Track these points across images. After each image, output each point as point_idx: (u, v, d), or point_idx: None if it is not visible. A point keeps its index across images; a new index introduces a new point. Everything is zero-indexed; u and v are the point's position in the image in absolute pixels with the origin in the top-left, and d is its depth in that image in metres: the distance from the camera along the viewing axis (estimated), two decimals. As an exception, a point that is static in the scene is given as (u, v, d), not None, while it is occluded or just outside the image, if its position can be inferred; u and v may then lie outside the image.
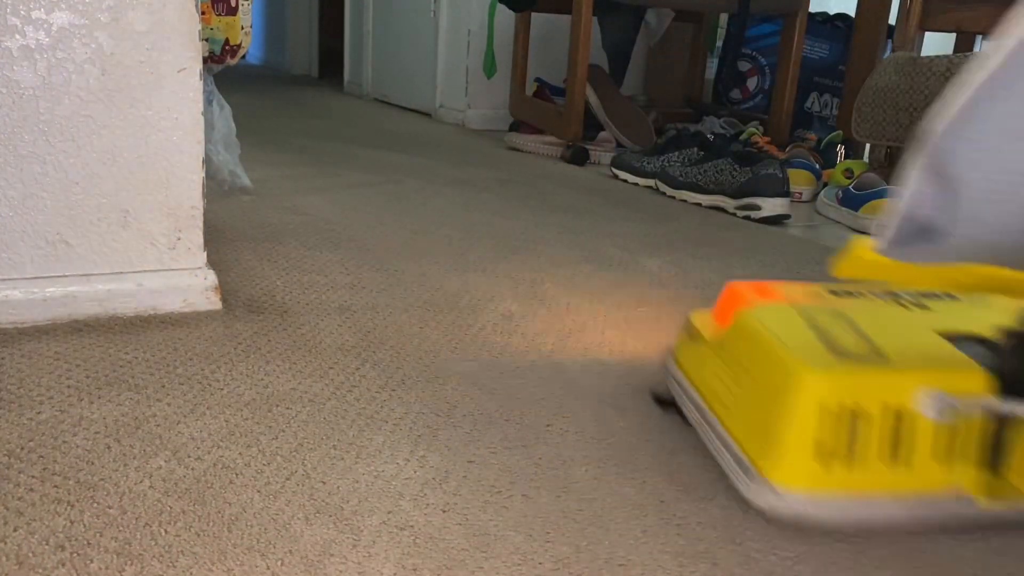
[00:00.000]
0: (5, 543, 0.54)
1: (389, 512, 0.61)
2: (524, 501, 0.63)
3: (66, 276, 0.91)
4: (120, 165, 0.90)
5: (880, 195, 1.63)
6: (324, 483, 0.64)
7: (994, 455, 0.63)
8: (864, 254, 0.63)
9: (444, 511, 0.61)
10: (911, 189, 0.56)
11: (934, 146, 0.54)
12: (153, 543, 0.56)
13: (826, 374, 0.62)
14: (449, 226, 1.45)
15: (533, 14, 2.52)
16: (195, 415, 0.73)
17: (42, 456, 0.65)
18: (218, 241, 1.24)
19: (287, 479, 0.64)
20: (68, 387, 0.76)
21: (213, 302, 0.97)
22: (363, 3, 3.62)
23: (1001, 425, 0.62)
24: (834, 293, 0.77)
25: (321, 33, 4.63)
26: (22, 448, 0.66)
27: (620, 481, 0.67)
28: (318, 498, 0.62)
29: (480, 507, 0.62)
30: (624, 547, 0.59)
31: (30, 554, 0.54)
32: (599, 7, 2.23)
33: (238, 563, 0.54)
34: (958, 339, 0.68)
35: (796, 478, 0.62)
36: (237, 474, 0.64)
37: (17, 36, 0.84)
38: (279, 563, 0.55)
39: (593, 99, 2.30)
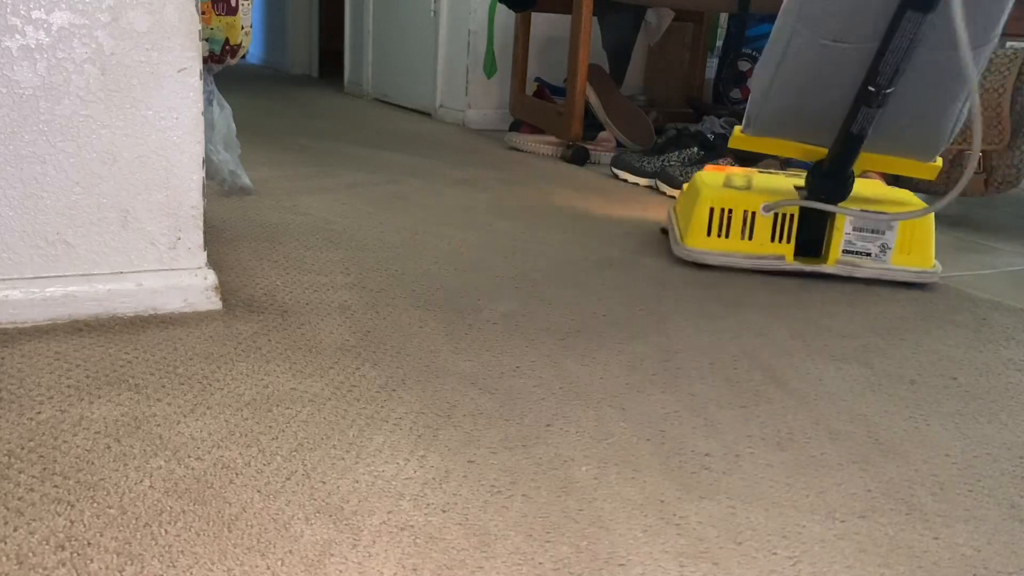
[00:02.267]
0: (5, 543, 0.54)
1: (389, 512, 0.61)
2: (524, 501, 0.63)
3: (66, 276, 0.91)
4: (120, 165, 0.90)
5: (880, 195, 1.62)
6: (324, 483, 0.64)
7: (800, 239, 1.26)
8: (738, 133, 1.30)
9: (444, 511, 0.61)
10: (751, 98, 1.23)
11: (756, 76, 1.20)
12: (153, 543, 0.56)
13: (715, 192, 1.27)
14: (449, 226, 1.45)
15: (533, 14, 2.52)
16: (195, 415, 0.73)
17: (42, 456, 0.65)
18: (218, 241, 1.24)
19: (287, 479, 0.64)
20: (68, 387, 0.76)
21: (213, 302, 0.97)
22: (363, 3, 3.62)
23: (807, 222, 1.25)
24: (760, 171, 1.46)
25: (321, 33, 4.63)
26: (22, 448, 0.66)
27: (620, 481, 0.67)
28: (318, 498, 0.62)
29: (480, 507, 0.62)
30: (624, 547, 0.59)
31: (30, 554, 0.54)
32: (599, 7, 2.23)
33: (238, 563, 0.54)
34: (800, 188, 1.31)
35: (697, 242, 1.28)
36: (237, 474, 0.64)
37: (17, 36, 0.84)
38: (279, 563, 0.55)
39: (593, 99, 2.30)
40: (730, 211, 1.24)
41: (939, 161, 1.26)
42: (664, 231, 1.49)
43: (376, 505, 0.62)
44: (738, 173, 1.38)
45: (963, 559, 0.60)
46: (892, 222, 1.22)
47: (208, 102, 1.09)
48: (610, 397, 0.82)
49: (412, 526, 0.59)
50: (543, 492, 0.65)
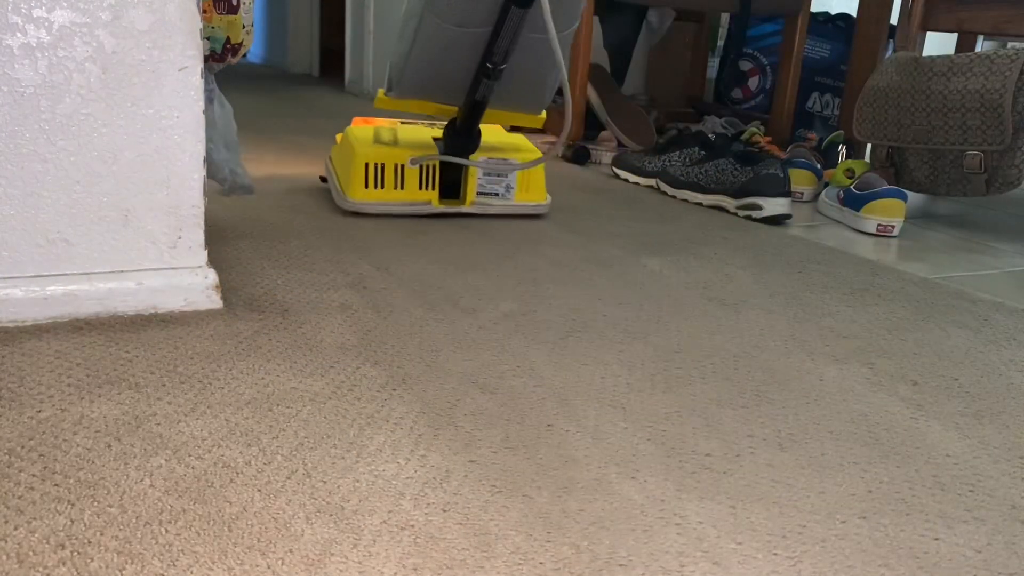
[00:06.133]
0: (6, 542, 0.54)
1: (390, 512, 0.61)
2: (525, 501, 0.63)
3: (67, 275, 0.91)
4: (121, 164, 0.90)
5: (882, 195, 1.62)
6: (325, 482, 0.64)
7: (442, 186, 1.47)
8: (381, 96, 1.46)
9: (445, 511, 0.61)
10: (393, 64, 1.44)
11: (396, 49, 1.42)
12: (153, 542, 0.56)
13: (368, 149, 1.43)
14: (449, 225, 1.45)
15: (534, 13, 2.52)
16: (196, 414, 0.73)
17: (43, 455, 0.65)
18: (219, 240, 1.24)
19: (287, 478, 0.64)
20: (69, 385, 0.76)
21: (214, 301, 0.97)
22: (364, 2, 3.62)
23: (446, 171, 1.47)
24: (403, 122, 1.65)
25: (322, 32, 4.63)
26: (23, 447, 0.66)
27: (620, 481, 0.67)
28: (319, 497, 0.62)
29: (481, 507, 0.62)
30: (624, 547, 0.59)
31: (31, 552, 0.54)
32: (601, 7, 2.23)
33: (238, 562, 0.54)
34: (437, 139, 1.50)
35: (357, 195, 1.44)
36: (238, 473, 0.64)
37: (18, 34, 0.84)
38: (279, 562, 0.55)
39: (594, 98, 2.30)
40: (382, 165, 1.42)
41: (544, 115, 1.55)
42: (323, 179, 1.65)
43: (377, 505, 0.62)
44: (385, 127, 1.56)
45: (964, 560, 0.60)
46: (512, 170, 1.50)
47: (209, 101, 1.09)
48: (610, 397, 0.82)
49: (413, 526, 0.59)
50: (544, 492, 0.65)
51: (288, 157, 2.02)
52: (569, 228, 1.49)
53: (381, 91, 1.45)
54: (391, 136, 1.50)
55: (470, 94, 1.40)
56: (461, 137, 1.45)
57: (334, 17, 4.38)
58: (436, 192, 1.45)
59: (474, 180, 1.47)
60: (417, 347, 0.91)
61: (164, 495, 0.61)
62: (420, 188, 1.44)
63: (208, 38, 1.05)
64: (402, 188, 1.44)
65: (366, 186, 1.42)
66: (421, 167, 1.44)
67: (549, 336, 0.97)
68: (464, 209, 1.47)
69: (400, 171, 1.43)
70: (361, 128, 1.53)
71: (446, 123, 1.47)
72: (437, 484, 0.65)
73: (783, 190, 1.64)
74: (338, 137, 1.56)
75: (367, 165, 1.41)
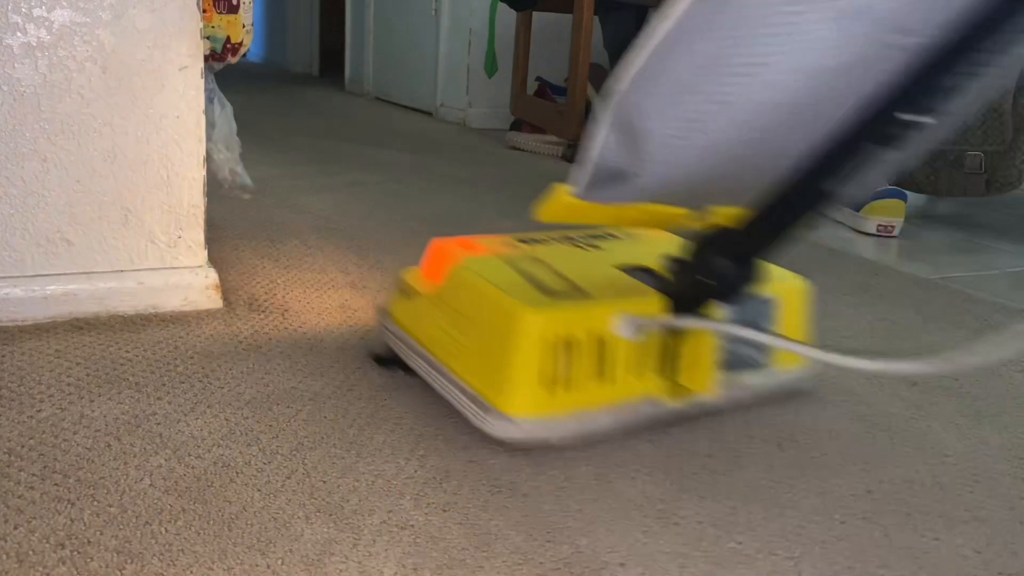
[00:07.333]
0: (5, 541, 0.54)
1: (389, 511, 0.61)
2: (524, 501, 0.63)
3: (67, 274, 0.91)
4: (121, 163, 0.90)
5: (882, 195, 1.62)
6: (324, 482, 0.64)
7: (670, 363, 0.75)
8: (563, 199, 0.66)
9: (445, 510, 0.61)
10: (599, 139, 0.62)
11: (618, 100, 0.59)
12: (153, 541, 0.56)
13: (543, 312, 0.69)
14: (450, 225, 1.45)
15: (535, 13, 2.52)
16: (195, 413, 0.73)
17: (42, 454, 0.65)
18: (219, 239, 1.24)
19: (287, 478, 0.64)
20: (68, 385, 0.76)
21: (214, 300, 0.97)
22: (364, 1, 3.62)
23: (673, 338, 0.74)
24: (524, 242, 0.87)
25: (322, 31, 4.63)
26: (22, 446, 0.66)
27: (620, 481, 0.67)
28: (318, 497, 0.62)
29: (480, 506, 0.62)
30: (624, 547, 0.59)
31: (30, 552, 0.54)
32: (601, 6, 2.23)
33: (238, 561, 0.54)
34: (631, 270, 0.79)
35: (527, 406, 0.69)
36: (237, 473, 0.64)
37: (18, 34, 0.84)
38: (279, 562, 0.54)
39: (595, 98, 2.30)
40: (572, 342, 0.70)
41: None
42: (381, 360, 0.85)
43: (376, 504, 0.62)
44: (515, 253, 0.82)
45: (964, 560, 0.60)
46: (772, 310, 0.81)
47: (209, 100, 1.09)
48: (611, 397, 0.82)
49: (412, 525, 0.59)
50: (543, 492, 0.65)
51: (289, 156, 2.02)
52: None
53: (563, 191, 0.65)
54: (548, 274, 0.77)
55: (811, 180, 0.61)
56: (739, 266, 0.69)
57: (334, 17, 4.38)
58: (660, 377, 0.75)
59: (717, 342, 0.77)
60: (417, 347, 0.91)
61: (164, 494, 0.61)
62: (631, 374, 0.73)
63: (208, 37, 1.05)
64: (605, 378, 0.72)
65: (543, 387, 0.69)
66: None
67: (549, 336, 0.97)
68: (709, 401, 0.77)
69: (601, 347, 0.71)
70: (484, 261, 0.79)
71: (695, 238, 0.70)
72: (437, 484, 0.65)
73: (783, 190, 1.64)
74: (405, 277, 0.85)
75: (543, 344, 0.69)
